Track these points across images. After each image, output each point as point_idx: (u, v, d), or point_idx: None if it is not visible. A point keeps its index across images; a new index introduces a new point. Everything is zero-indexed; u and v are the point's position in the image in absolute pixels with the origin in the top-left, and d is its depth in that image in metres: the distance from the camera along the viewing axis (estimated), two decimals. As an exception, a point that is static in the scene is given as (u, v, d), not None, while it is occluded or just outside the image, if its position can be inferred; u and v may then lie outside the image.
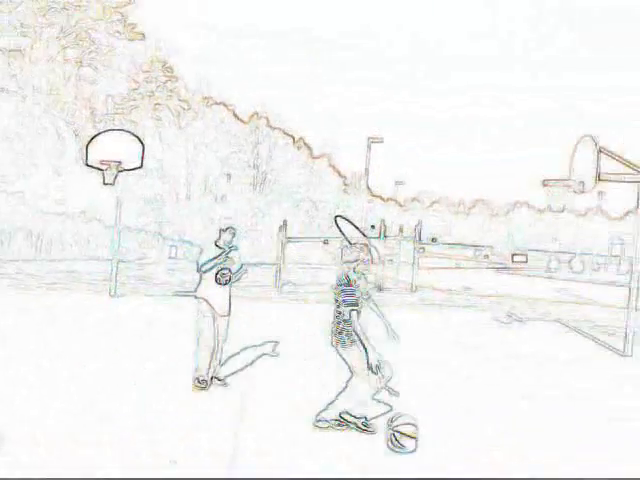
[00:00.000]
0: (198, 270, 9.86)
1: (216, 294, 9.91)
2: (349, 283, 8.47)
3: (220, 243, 9.98)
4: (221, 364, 10.14)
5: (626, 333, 13.28)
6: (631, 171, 13.15)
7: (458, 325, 16.29)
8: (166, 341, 11.60)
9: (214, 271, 9.84)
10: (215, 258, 9.85)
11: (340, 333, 8.35)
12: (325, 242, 23.37)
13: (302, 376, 10.44)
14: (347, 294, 8.34)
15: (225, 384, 10.00)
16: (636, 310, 13.59)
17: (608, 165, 13.39)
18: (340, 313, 8.40)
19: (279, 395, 9.64)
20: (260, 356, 11.48)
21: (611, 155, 13.10)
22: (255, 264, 27.84)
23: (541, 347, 13.96)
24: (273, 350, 11.89)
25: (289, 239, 22.06)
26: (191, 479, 7.05)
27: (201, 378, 9.90)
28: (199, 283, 9.93)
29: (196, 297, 9.92)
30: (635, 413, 9.14)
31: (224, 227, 10.09)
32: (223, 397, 9.48)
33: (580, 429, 8.48)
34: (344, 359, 8.32)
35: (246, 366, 10.89)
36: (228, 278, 9.88)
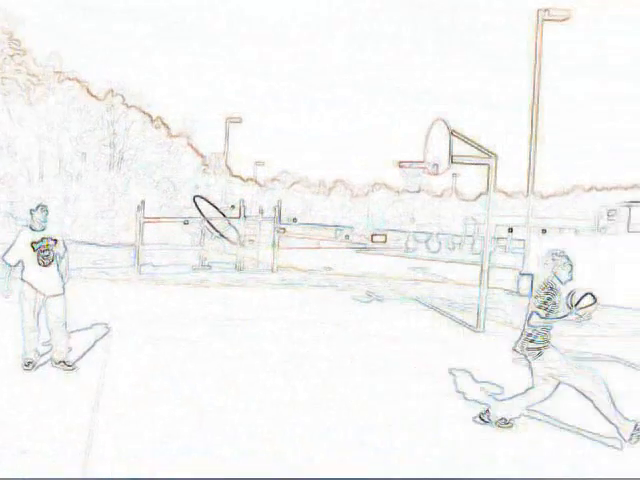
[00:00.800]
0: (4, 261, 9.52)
1: (41, 276, 9.55)
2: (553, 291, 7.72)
3: (35, 225, 9.59)
4: (50, 347, 9.82)
5: (478, 310, 13.69)
6: (481, 154, 13.52)
7: (318, 303, 16.37)
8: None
9: (35, 253, 9.48)
10: (34, 242, 9.48)
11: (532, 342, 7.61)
12: (185, 222, 23.00)
13: (147, 358, 10.22)
14: (546, 308, 7.58)
15: (73, 368, 9.66)
16: (488, 287, 14.01)
17: (462, 147, 13.73)
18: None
19: (131, 379, 9.38)
20: (99, 338, 11.22)
21: (462, 138, 13.41)
22: (112, 245, 27.10)
23: (399, 324, 14.20)
24: (102, 333, 11.67)
25: (147, 219, 21.58)
26: (190, 479, 6.84)
27: (27, 360, 9.61)
28: (23, 267, 9.57)
29: (22, 280, 9.57)
30: (489, 384, 9.41)
31: (34, 207, 9.70)
32: (71, 382, 9.13)
33: (431, 403, 8.64)
34: (532, 368, 7.65)
35: (89, 349, 10.59)
36: (51, 258, 9.52)
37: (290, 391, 8.87)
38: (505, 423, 7.67)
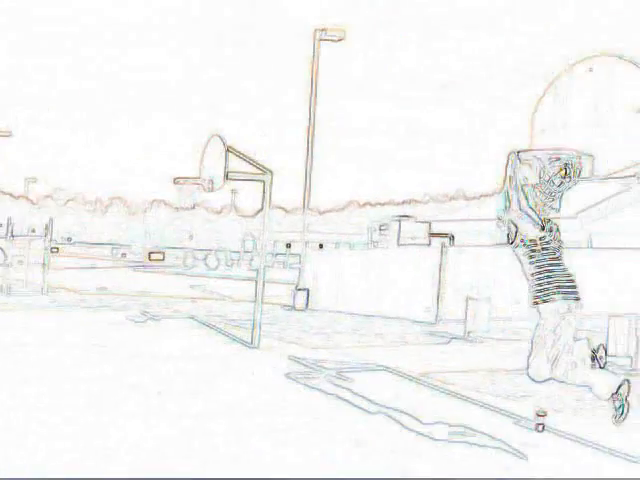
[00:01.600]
0: None
1: None
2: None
3: None
4: None
5: (253, 325, 13.81)
6: (257, 170, 13.69)
7: (89, 325, 15.87)
8: None
9: None
10: None
11: None
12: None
13: None
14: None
15: None
16: (263, 303, 14.18)
17: (239, 164, 13.82)
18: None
19: None
20: None
21: (238, 154, 13.53)
22: None
23: (173, 344, 14.05)
24: None
25: None
26: (192, 479, 6.23)
27: None
28: None
29: None
30: (260, 400, 9.48)
31: None
32: None
33: (207, 419, 8.58)
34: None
35: None
36: None
37: (57, 415, 8.49)
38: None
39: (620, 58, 6.87)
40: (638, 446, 7.08)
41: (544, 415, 8.16)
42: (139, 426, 8.22)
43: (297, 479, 6.48)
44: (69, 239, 35.91)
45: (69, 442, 7.60)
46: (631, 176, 8.24)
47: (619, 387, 6.51)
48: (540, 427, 8.08)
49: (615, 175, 7.39)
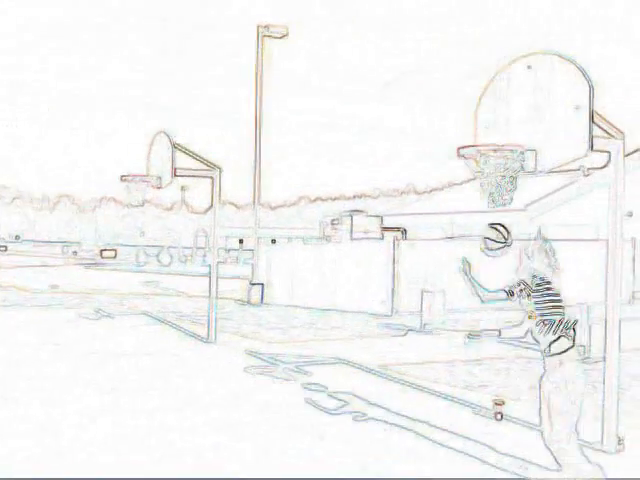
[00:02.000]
0: None
1: None
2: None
3: None
4: None
5: (209, 321, 13.72)
6: (206, 166, 13.57)
7: (41, 324, 15.62)
8: None
9: None
10: None
11: None
12: None
13: None
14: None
15: None
16: (218, 298, 14.08)
17: (189, 161, 13.70)
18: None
19: None
20: None
21: (185, 151, 13.40)
22: None
23: (128, 340, 13.87)
24: None
25: None
26: (191, 479, 6.03)
27: None
28: None
29: None
30: (217, 395, 9.39)
31: None
32: None
33: (163, 414, 8.49)
34: None
35: None
36: None
37: (10, 413, 8.33)
38: None
39: (558, 56, 6.95)
40: (597, 433, 7.18)
41: (502, 404, 8.22)
42: (94, 423, 8.10)
43: (298, 479, 6.45)
44: (17, 237, 35.35)
45: (23, 440, 7.46)
46: (576, 170, 8.34)
47: None
48: (499, 416, 8.13)
49: (561, 169, 7.49)
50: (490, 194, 7.03)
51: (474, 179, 7.26)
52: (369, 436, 7.63)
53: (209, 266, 14.53)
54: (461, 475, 6.54)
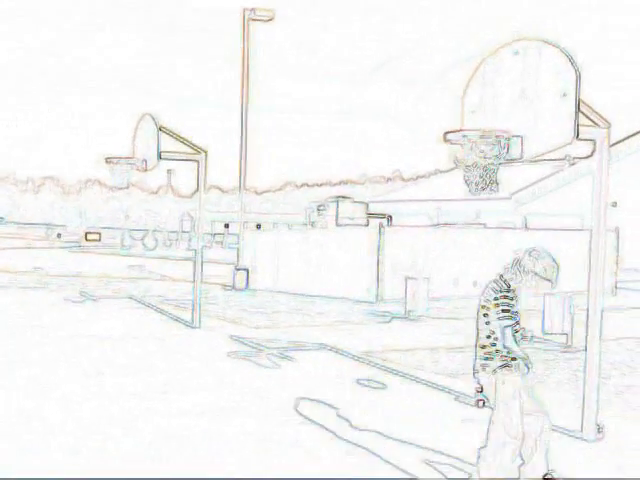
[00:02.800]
0: None
1: None
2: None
3: None
4: None
5: (193, 305, 13.72)
6: (191, 150, 13.54)
7: (26, 306, 15.58)
8: None
9: None
10: None
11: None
12: None
13: None
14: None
15: None
16: (203, 283, 14.09)
17: (175, 144, 13.65)
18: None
19: None
20: None
21: (171, 134, 13.35)
22: None
23: (113, 324, 13.88)
24: None
25: None
26: (191, 479, 6.02)
27: None
28: None
29: None
30: (202, 379, 9.42)
31: None
32: None
33: (147, 400, 8.50)
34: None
35: None
36: None
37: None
38: None
39: (545, 42, 6.95)
40: (577, 421, 7.25)
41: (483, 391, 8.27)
42: (79, 406, 8.11)
43: (294, 479, 6.49)
44: (1, 219, 35.17)
45: (7, 425, 7.46)
46: (561, 159, 8.37)
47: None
48: (480, 403, 8.19)
49: (546, 157, 7.49)
50: (473, 182, 7.06)
51: (456, 168, 7.28)
52: (351, 419, 7.68)
53: (194, 250, 14.52)
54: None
